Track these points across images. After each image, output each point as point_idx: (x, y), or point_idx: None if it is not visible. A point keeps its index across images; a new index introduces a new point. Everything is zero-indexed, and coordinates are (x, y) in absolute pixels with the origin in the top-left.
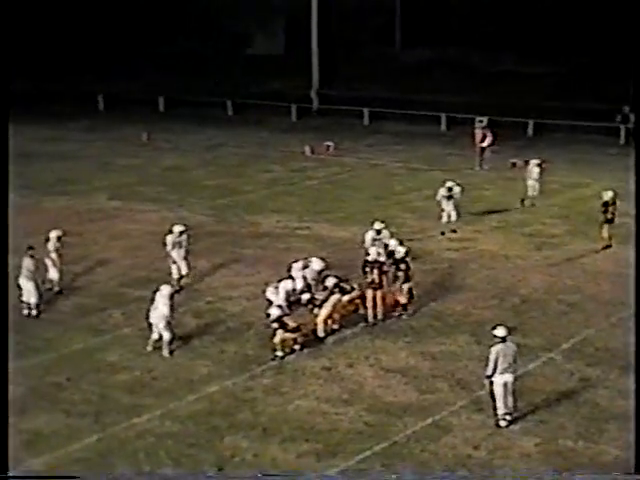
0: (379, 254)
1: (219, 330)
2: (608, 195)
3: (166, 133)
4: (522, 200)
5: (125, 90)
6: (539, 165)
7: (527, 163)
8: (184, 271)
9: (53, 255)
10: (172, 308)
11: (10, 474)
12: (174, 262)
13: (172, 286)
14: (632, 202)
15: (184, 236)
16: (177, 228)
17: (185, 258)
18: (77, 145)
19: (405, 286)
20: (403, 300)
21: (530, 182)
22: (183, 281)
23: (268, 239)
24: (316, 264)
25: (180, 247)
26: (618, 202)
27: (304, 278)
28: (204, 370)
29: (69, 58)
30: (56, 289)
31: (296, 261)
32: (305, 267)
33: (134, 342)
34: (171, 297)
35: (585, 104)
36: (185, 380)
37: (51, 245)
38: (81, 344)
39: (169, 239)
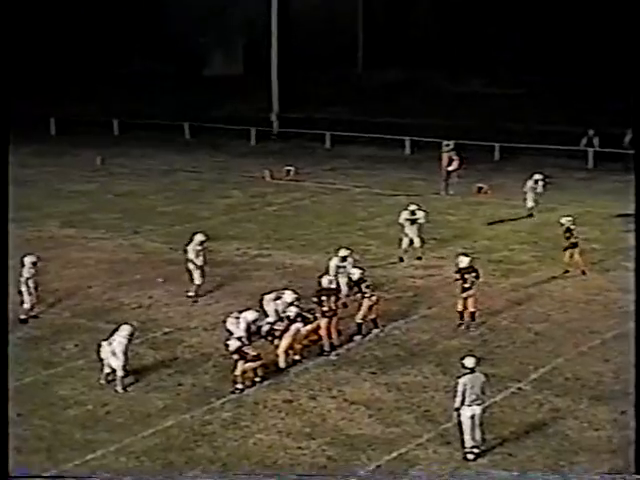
0: (330, 282)
1: (176, 362)
2: (567, 220)
3: (121, 157)
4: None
5: (78, 113)
6: (538, 180)
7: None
8: (198, 281)
9: (30, 282)
10: (127, 347)
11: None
12: (197, 268)
13: (132, 326)
14: (599, 227)
15: (205, 245)
16: (198, 237)
17: (201, 268)
18: (27, 170)
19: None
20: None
21: (531, 195)
22: (193, 291)
23: (227, 267)
24: (288, 296)
25: (199, 256)
26: (586, 228)
27: (276, 311)
28: (160, 404)
29: (18, 79)
30: (23, 317)
31: (268, 293)
32: (277, 298)
33: (87, 375)
34: (130, 337)
35: (552, 127)
36: (140, 414)
37: (26, 272)
38: (32, 377)
39: (190, 248)
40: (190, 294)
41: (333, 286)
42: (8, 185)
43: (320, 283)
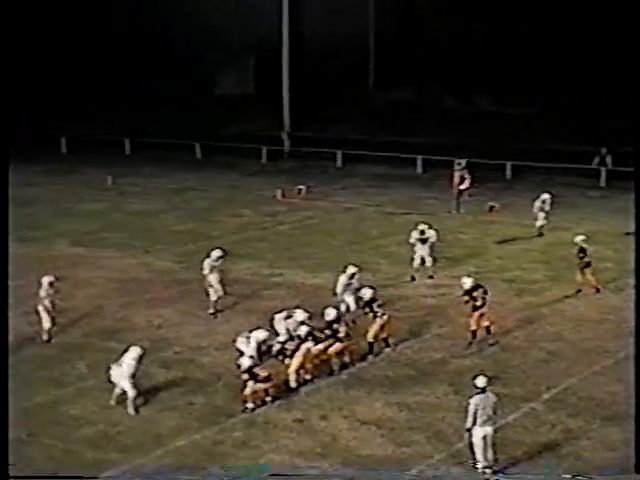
0: (335, 312)
1: (187, 381)
2: (581, 239)
3: (132, 177)
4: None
5: (89, 132)
6: (546, 200)
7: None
8: (219, 294)
9: (46, 302)
10: (136, 369)
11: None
12: (210, 286)
13: (141, 348)
14: (612, 246)
15: (221, 261)
16: (215, 253)
17: (221, 281)
18: (38, 189)
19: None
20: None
21: (541, 214)
22: (211, 307)
23: (238, 286)
24: (300, 315)
25: (218, 272)
26: (598, 247)
27: (287, 330)
28: (172, 423)
29: (30, 99)
30: (45, 337)
31: (279, 311)
32: (288, 317)
33: (98, 395)
34: (139, 360)
35: (564, 146)
36: (152, 434)
37: (43, 292)
38: (42, 397)
39: (206, 263)
40: (210, 311)
41: (333, 318)
42: (8, 202)
43: (326, 318)
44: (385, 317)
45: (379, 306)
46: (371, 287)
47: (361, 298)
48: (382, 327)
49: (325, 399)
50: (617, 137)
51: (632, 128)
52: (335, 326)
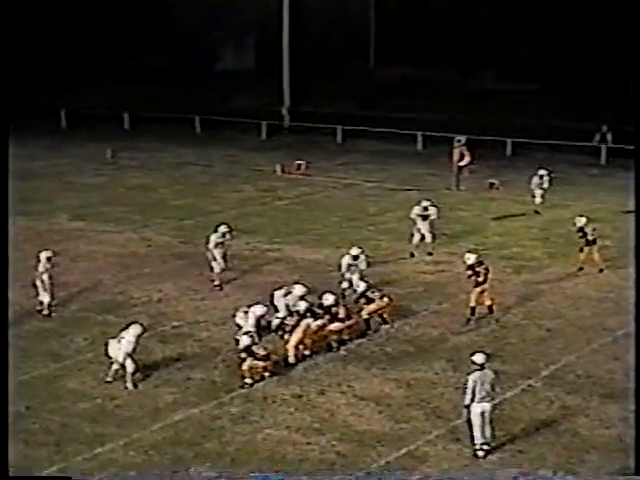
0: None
1: (185, 356)
2: (581, 221)
3: (131, 151)
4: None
5: (89, 106)
6: (543, 176)
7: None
8: (220, 269)
9: (44, 277)
10: (135, 346)
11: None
12: (214, 259)
13: (141, 325)
14: (612, 224)
15: (227, 236)
16: (222, 228)
17: (224, 257)
18: (37, 163)
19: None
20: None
21: (538, 191)
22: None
23: (237, 261)
24: (298, 290)
25: (222, 247)
26: (598, 224)
27: (287, 305)
28: (169, 398)
29: (29, 72)
30: (45, 312)
31: (278, 288)
32: (287, 294)
33: (96, 369)
34: (138, 338)
35: (565, 123)
36: (149, 408)
37: (41, 267)
38: (41, 371)
39: (212, 238)
40: (216, 283)
41: (332, 303)
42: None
43: (322, 303)
44: (385, 300)
45: (373, 292)
46: (365, 281)
47: (355, 291)
48: (378, 311)
49: (323, 375)
50: (618, 115)
51: (633, 106)
52: (334, 310)
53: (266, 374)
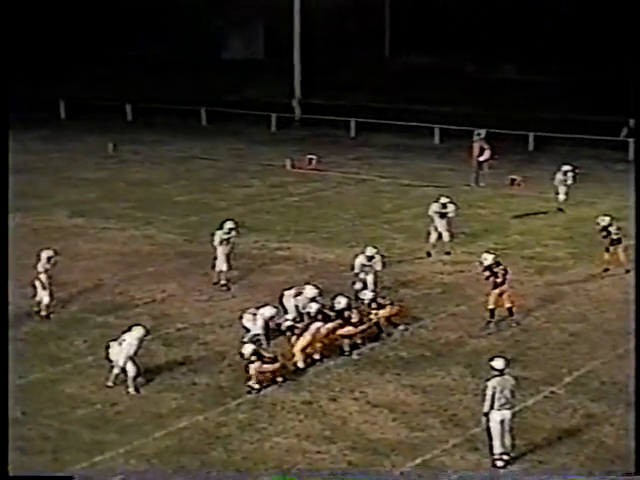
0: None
1: (190, 360)
2: (605, 220)
3: (134, 144)
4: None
5: (89, 96)
6: (568, 172)
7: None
8: (225, 267)
9: (43, 277)
10: (137, 349)
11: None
12: (216, 258)
13: (144, 328)
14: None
15: (233, 233)
16: (228, 224)
17: (227, 255)
18: (35, 157)
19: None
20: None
21: (562, 188)
22: (222, 276)
23: (244, 261)
24: (309, 291)
25: (227, 244)
26: (623, 223)
27: (296, 307)
28: (173, 404)
29: (28, 61)
30: (43, 313)
31: (288, 288)
32: (298, 294)
33: (96, 373)
34: (140, 340)
35: (590, 116)
36: (152, 415)
37: (41, 266)
38: (38, 374)
39: (218, 234)
40: (222, 282)
41: (344, 306)
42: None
43: (336, 307)
44: (395, 308)
45: (382, 299)
46: (372, 291)
47: (362, 299)
48: (388, 318)
49: (335, 380)
50: None
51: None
52: (347, 313)
53: (279, 379)
